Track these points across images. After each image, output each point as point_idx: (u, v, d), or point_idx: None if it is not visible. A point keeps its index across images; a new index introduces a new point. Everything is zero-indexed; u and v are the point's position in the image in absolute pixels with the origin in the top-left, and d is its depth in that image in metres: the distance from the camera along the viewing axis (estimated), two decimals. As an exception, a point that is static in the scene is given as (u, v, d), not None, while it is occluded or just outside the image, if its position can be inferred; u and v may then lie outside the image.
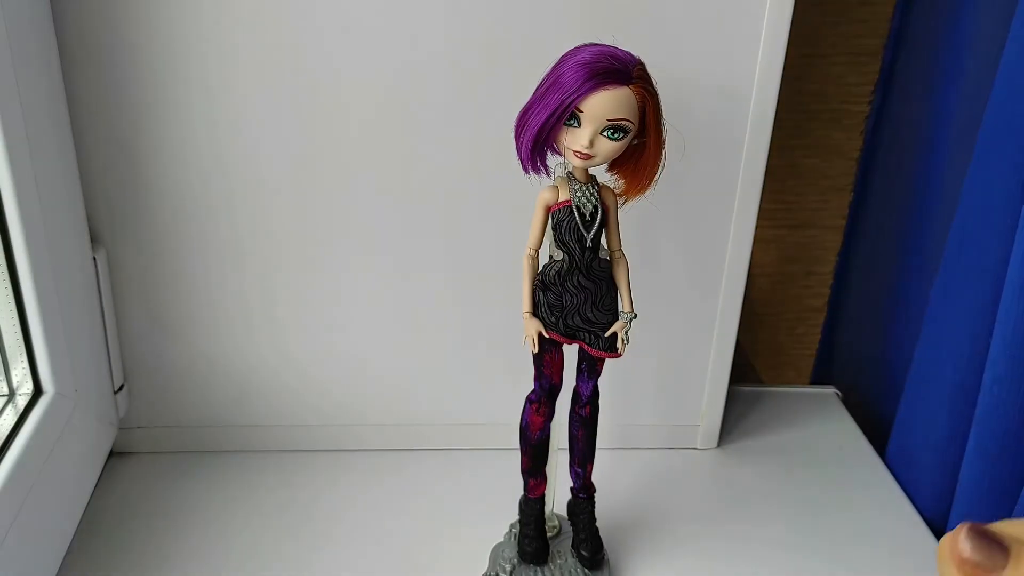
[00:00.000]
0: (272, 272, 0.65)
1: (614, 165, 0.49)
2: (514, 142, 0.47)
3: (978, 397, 0.60)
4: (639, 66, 0.45)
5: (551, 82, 0.45)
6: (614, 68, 0.44)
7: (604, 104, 0.44)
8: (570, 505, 0.60)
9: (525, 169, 0.48)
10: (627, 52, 0.45)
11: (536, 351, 0.52)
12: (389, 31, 0.57)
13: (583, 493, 0.58)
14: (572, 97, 0.44)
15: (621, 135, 0.45)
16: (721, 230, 0.65)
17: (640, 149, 0.47)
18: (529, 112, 0.46)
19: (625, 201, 0.50)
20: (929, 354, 0.68)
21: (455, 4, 0.57)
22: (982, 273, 0.61)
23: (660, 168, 0.48)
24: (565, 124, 0.45)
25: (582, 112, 0.44)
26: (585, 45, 0.45)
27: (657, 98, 0.46)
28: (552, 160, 0.48)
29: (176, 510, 0.65)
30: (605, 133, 0.45)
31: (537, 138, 0.46)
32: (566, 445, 0.58)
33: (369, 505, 0.66)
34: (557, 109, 0.44)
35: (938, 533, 0.66)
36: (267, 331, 0.67)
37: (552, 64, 0.46)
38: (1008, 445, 0.58)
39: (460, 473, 0.70)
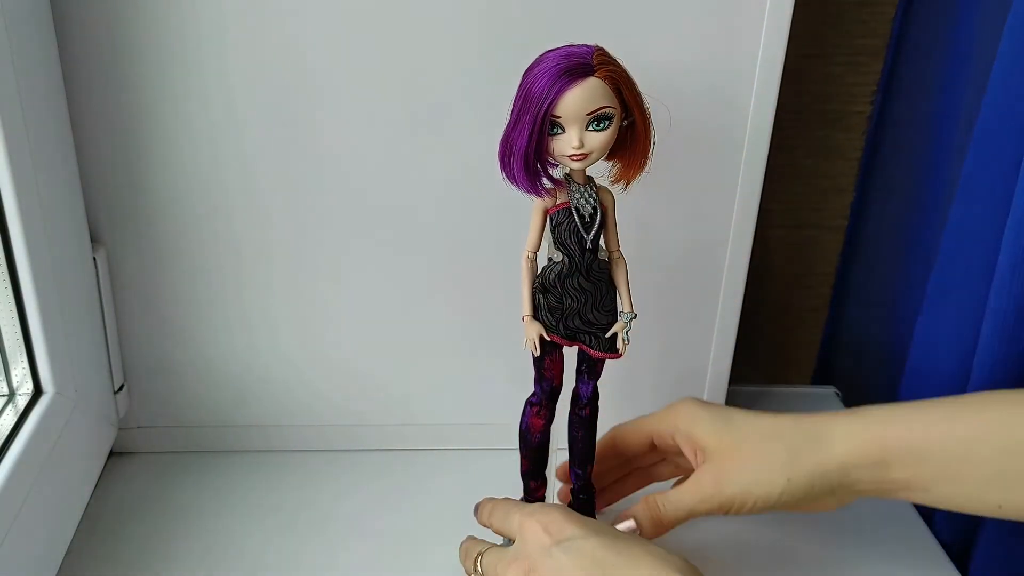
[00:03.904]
0: (272, 273, 0.65)
1: (611, 153, 0.49)
2: (502, 172, 0.47)
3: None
4: (598, 52, 0.45)
5: (521, 101, 0.45)
6: (575, 64, 0.44)
7: (577, 101, 0.44)
8: (570, 506, 0.60)
9: (529, 191, 0.48)
10: (583, 44, 0.45)
11: (538, 354, 0.52)
12: (387, 34, 0.57)
13: (583, 494, 0.58)
14: (544, 105, 0.44)
15: (607, 123, 0.45)
16: (721, 230, 0.65)
17: (631, 129, 0.47)
18: (509, 137, 0.46)
19: (627, 185, 0.50)
20: (926, 352, 0.68)
21: (453, 4, 0.57)
22: (979, 271, 0.61)
23: (652, 140, 0.48)
24: (549, 135, 0.45)
25: (560, 117, 0.45)
26: (541, 56, 0.45)
27: (627, 75, 0.46)
28: (553, 172, 0.48)
29: (176, 510, 0.65)
30: (591, 127, 0.45)
31: (526, 159, 0.45)
32: (566, 446, 0.58)
33: (368, 505, 0.66)
34: (535, 123, 0.44)
35: (937, 532, 0.66)
36: (267, 331, 0.67)
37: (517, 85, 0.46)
38: None
39: (460, 473, 0.70)
